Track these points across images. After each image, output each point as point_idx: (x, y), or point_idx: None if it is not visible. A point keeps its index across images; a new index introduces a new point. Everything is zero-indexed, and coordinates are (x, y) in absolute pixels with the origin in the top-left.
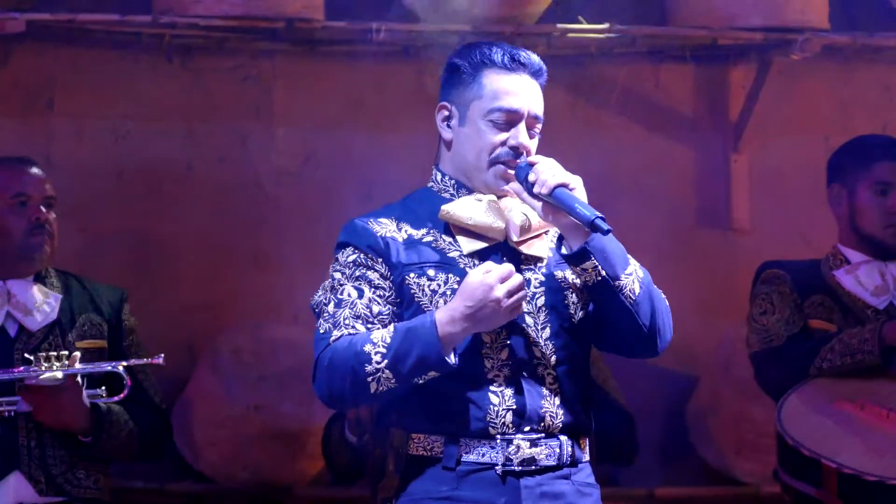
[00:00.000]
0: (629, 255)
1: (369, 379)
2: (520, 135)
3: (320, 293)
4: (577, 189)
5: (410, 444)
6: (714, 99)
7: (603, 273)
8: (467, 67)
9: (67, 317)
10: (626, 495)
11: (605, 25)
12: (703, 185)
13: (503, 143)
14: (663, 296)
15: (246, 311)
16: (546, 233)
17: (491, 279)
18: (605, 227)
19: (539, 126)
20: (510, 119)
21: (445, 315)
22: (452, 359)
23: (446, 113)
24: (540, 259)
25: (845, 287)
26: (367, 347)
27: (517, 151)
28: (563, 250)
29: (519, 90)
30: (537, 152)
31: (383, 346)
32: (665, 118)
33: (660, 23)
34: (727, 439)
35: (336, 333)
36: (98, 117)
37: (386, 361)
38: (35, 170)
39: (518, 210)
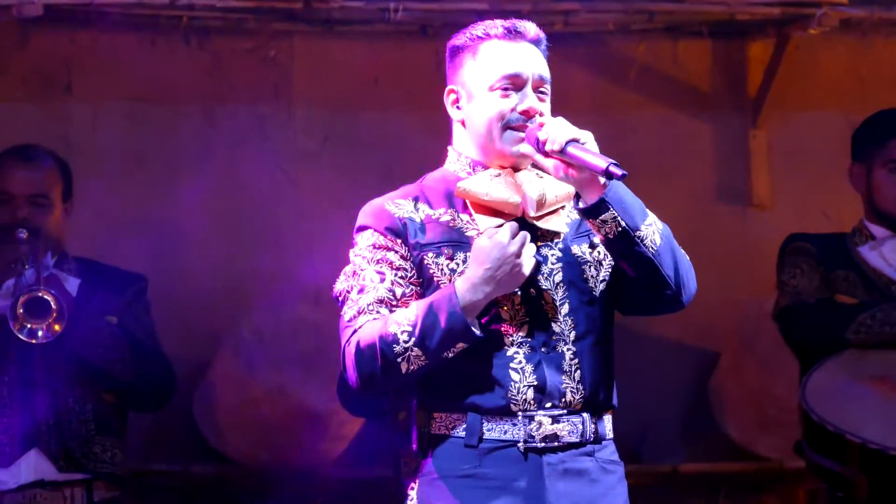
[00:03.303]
0: (647, 210)
1: (399, 359)
2: (528, 98)
3: (342, 280)
4: (589, 143)
5: (432, 423)
6: (732, 74)
7: (623, 224)
8: (467, 46)
9: (84, 299)
10: (649, 471)
11: (623, 2)
12: (723, 162)
13: (513, 109)
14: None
15: (267, 292)
16: (562, 208)
17: (502, 238)
18: (620, 171)
19: (547, 87)
20: (516, 84)
21: (465, 284)
22: (477, 329)
23: (454, 95)
24: (556, 234)
25: (870, 263)
26: (393, 328)
27: (528, 115)
28: (580, 205)
29: (520, 56)
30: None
31: (408, 325)
32: (683, 94)
33: None
34: (750, 415)
35: (361, 320)
36: (116, 100)
37: (413, 339)
38: (27, 166)
39: (534, 184)
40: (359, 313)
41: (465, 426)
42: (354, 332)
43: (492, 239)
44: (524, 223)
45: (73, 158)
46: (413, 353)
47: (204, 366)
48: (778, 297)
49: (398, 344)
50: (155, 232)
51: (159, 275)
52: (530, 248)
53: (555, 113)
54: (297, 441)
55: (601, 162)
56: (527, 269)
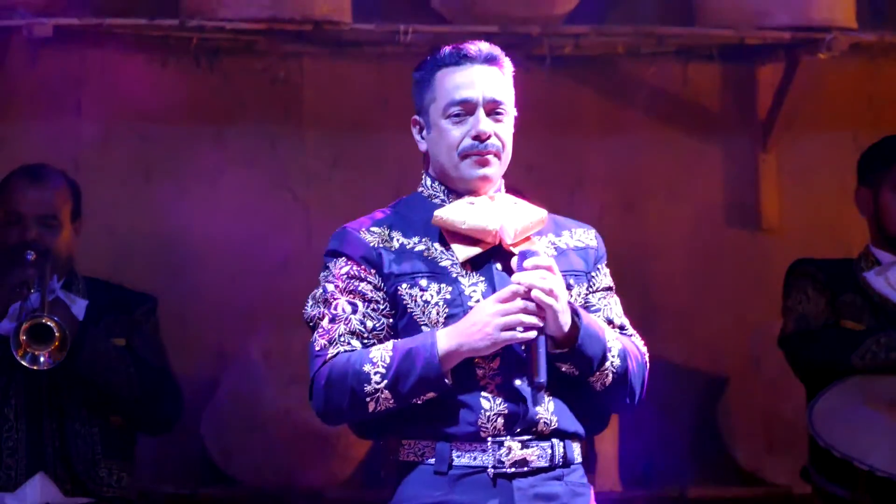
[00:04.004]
0: (609, 340)
1: (368, 399)
2: (480, 123)
3: (311, 304)
4: (561, 309)
5: (401, 450)
6: (742, 98)
7: (577, 372)
8: (423, 76)
9: (92, 321)
10: (657, 496)
11: (633, 25)
12: (732, 184)
13: (466, 135)
14: (641, 351)
15: (276, 313)
16: (538, 236)
17: (489, 298)
18: (532, 409)
19: (503, 106)
20: (466, 109)
21: (444, 335)
22: (449, 380)
23: (418, 126)
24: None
25: (875, 288)
26: (367, 367)
27: (479, 139)
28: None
29: (468, 80)
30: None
31: (383, 367)
32: (693, 117)
33: (687, 22)
34: (758, 439)
35: (332, 351)
36: (126, 120)
37: (385, 382)
38: (36, 187)
39: (510, 211)
40: (330, 343)
41: (434, 453)
42: (325, 362)
43: (486, 299)
44: (502, 251)
45: (82, 178)
46: (382, 395)
47: (212, 386)
48: (784, 322)
49: (369, 384)
50: (164, 251)
51: (168, 294)
52: (514, 320)
53: (560, 135)
54: (305, 462)
55: (536, 374)
56: (499, 336)
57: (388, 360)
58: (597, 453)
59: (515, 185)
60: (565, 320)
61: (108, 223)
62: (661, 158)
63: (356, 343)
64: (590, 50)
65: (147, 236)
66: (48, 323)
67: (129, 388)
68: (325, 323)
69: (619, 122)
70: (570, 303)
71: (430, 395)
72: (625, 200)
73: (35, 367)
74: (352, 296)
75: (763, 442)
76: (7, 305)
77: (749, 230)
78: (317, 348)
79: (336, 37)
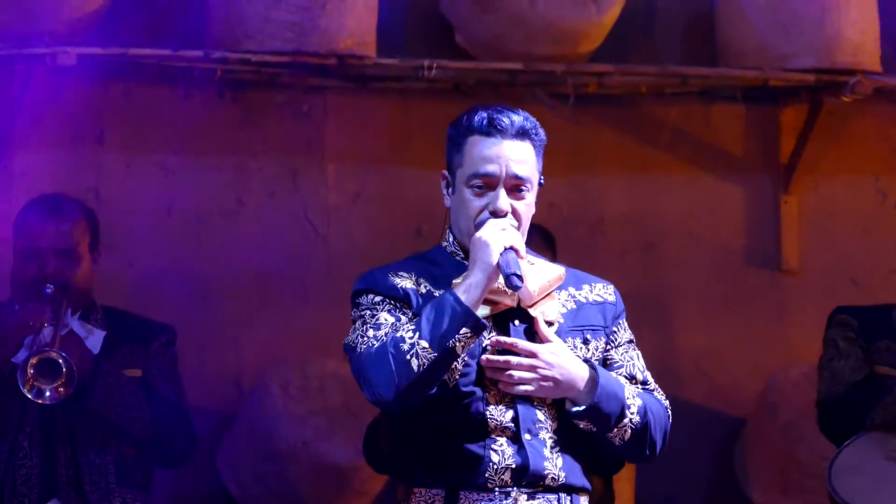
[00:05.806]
0: (627, 398)
1: (408, 356)
2: (499, 199)
3: (352, 332)
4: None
5: (412, 498)
6: (765, 140)
7: (595, 430)
8: (455, 136)
9: (109, 351)
10: None
11: (656, 65)
12: (753, 226)
13: (485, 209)
14: (664, 405)
15: (294, 346)
16: (558, 291)
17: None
18: (517, 283)
19: (527, 185)
20: (488, 183)
21: (457, 282)
22: (481, 313)
23: (445, 182)
24: (551, 323)
25: None
26: (399, 333)
27: (496, 215)
28: (567, 405)
29: (495, 154)
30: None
31: (413, 325)
32: (715, 158)
33: (711, 63)
34: (773, 481)
35: (377, 343)
36: (148, 151)
37: (419, 333)
38: (55, 220)
39: (531, 276)
40: (376, 340)
41: (443, 501)
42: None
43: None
44: (522, 311)
45: (103, 209)
46: (420, 347)
47: (229, 417)
48: (818, 379)
49: (404, 342)
50: (183, 283)
51: (187, 326)
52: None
53: (582, 173)
54: (321, 496)
55: (507, 270)
56: (491, 242)
57: (417, 319)
58: (614, 493)
59: (536, 222)
60: (570, 380)
61: (129, 254)
62: (683, 199)
63: None
64: (613, 89)
65: (167, 268)
66: (56, 358)
67: (142, 423)
68: (368, 332)
69: (641, 161)
70: (588, 360)
71: (466, 332)
72: (645, 240)
73: (39, 401)
74: (391, 312)
75: (778, 484)
76: (22, 338)
77: (769, 272)
78: (363, 349)
79: (360, 71)
